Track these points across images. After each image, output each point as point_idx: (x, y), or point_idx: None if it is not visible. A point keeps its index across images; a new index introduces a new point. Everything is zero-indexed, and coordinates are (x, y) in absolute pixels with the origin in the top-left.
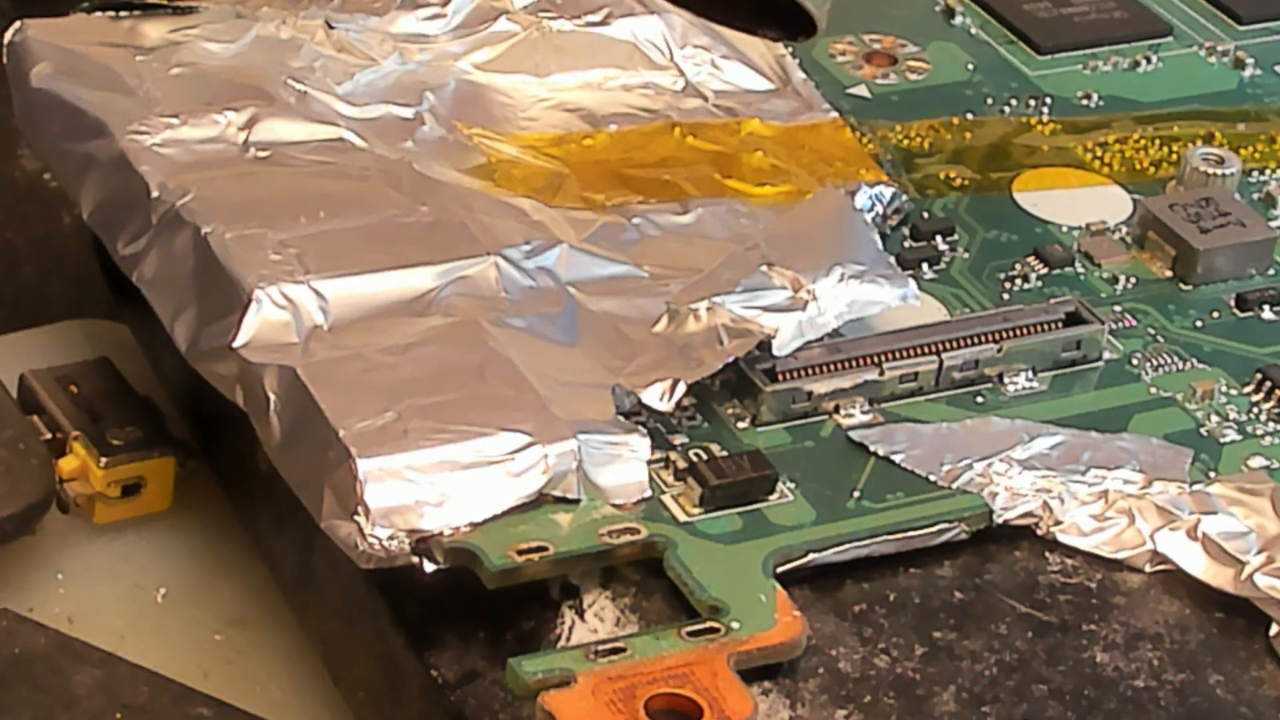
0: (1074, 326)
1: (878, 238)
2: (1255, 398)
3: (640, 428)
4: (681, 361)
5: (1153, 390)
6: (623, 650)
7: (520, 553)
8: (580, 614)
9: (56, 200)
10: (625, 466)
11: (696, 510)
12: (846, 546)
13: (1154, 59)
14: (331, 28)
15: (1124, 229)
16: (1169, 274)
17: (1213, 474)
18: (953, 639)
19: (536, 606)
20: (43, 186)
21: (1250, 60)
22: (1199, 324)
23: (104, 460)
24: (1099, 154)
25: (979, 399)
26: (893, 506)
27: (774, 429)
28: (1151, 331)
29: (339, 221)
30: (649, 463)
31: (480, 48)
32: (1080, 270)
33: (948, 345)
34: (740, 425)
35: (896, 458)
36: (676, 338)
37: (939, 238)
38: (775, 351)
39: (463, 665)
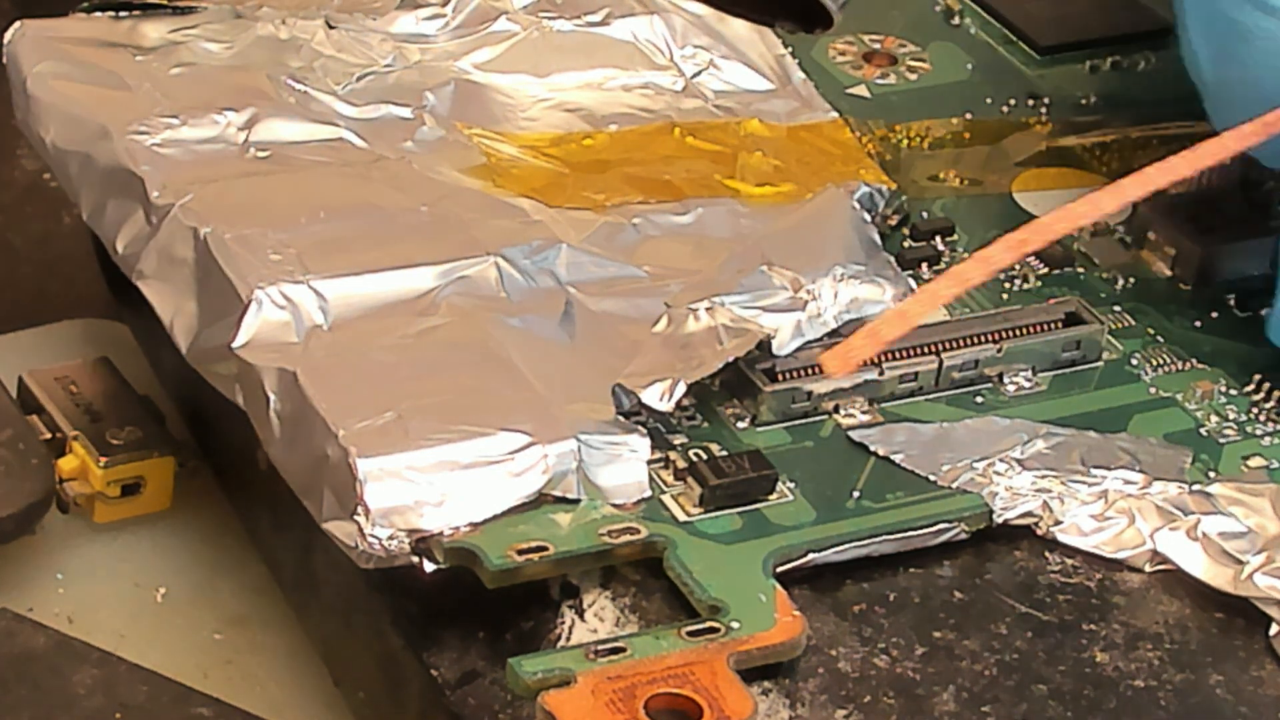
0: (1074, 326)
1: (877, 238)
2: (1255, 398)
3: (640, 428)
4: (681, 361)
5: (1152, 390)
6: (622, 650)
7: (520, 552)
8: (580, 614)
9: (56, 200)
10: (625, 466)
11: (696, 510)
12: (846, 546)
13: (1154, 59)
14: (331, 28)
15: (1124, 229)
16: (1169, 274)
17: (1212, 474)
18: (953, 639)
19: (536, 606)
20: (43, 186)
21: None
22: (1199, 324)
23: (104, 460)
24: (1099, 154)
25: (979, 399)
26: (892, 506)
27: (774, 429)
28: (1151, 331)
29: (339, 221)
30: (649, 463)
31: (480, 48)
32: (1080, 270)
33: (947, 345)
34: (740, 425)
35: (896, 457)
36: (676, 338)
37: (938, 238)
38: (775, 351)
39: (463, 665)
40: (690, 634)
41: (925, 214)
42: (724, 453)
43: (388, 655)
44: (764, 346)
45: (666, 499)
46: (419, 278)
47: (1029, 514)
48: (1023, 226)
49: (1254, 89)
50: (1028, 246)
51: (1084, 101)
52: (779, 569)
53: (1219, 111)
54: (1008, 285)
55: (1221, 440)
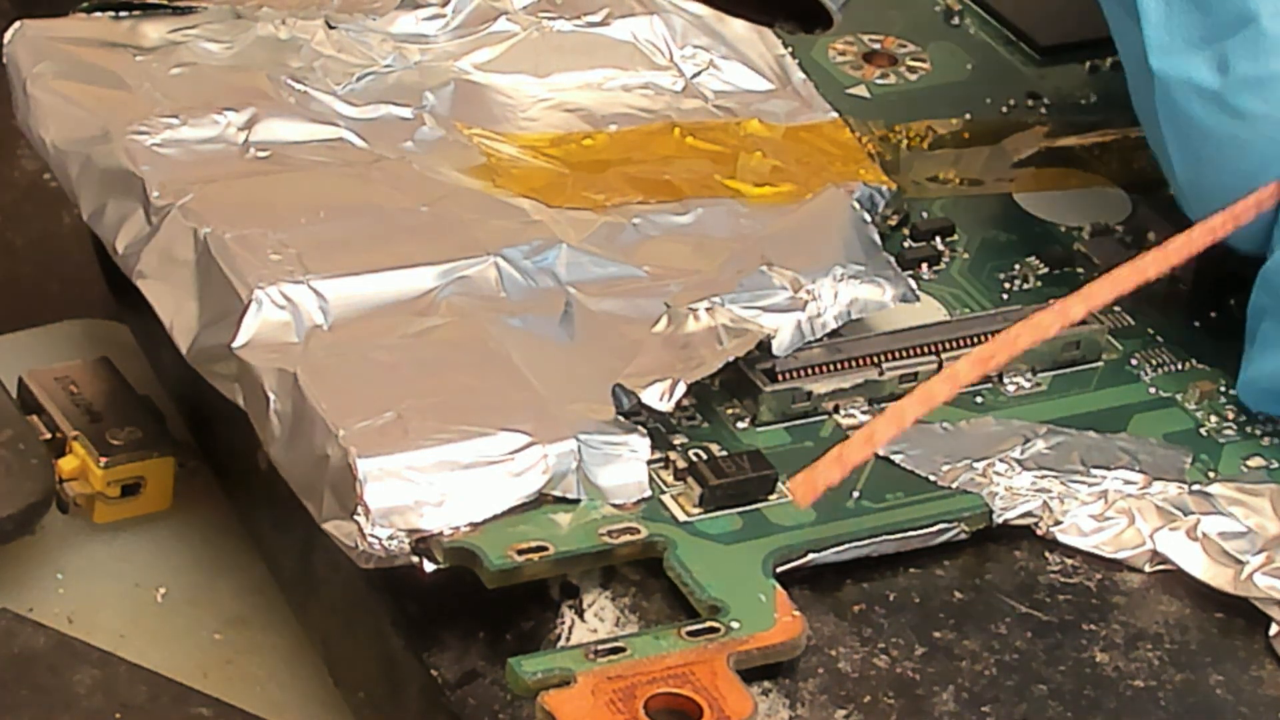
0: (1073, 327)
1: (877, 238)
2: None
3: (640, 428)
4: (681, 361)
5: (1152, 390)
6: (622, 650)
7: (520, 552)
8: (580, 614)
9: (56, 200)
10: (625, 466)
11: (696, 510)
12: (846, 546)
13: None
14: (331, 28)
15: (1123, 229)
16: (1169, 274)
17: (1212, 474)
18: (953, 639)
19: (536, 606)
20: (43, 186)
21: None
22: (1199, 324)
23: (104, 460)
24: (1099, 154)
25: (979, 399)
26: (892, 506)
27: (774, 429)
28: (1151, 331)
29: (339, 221)
30: (649, 463)
31: (480, 48)
32: (1080, 270)
33: (947, 345)
34: (740, 425)
35: (896, 458)
36: (676, 338)
37: (938, 238)
38: (775, 352)
39: (463, 665)
40: (690, 634)
41: (925, 214)
42: (724, 453)
43: (388, 655)
44: (764, 346)
45: (666, 499)
46: (419, 278)
47: (1029, 514)
48: (966, 356)
49: (1226, 190)
50: (979, 370)
51: (1084, 101)
52: (779, 569)
53: (1193, 209)
54: (1008, 285)
55: (1221, 440)
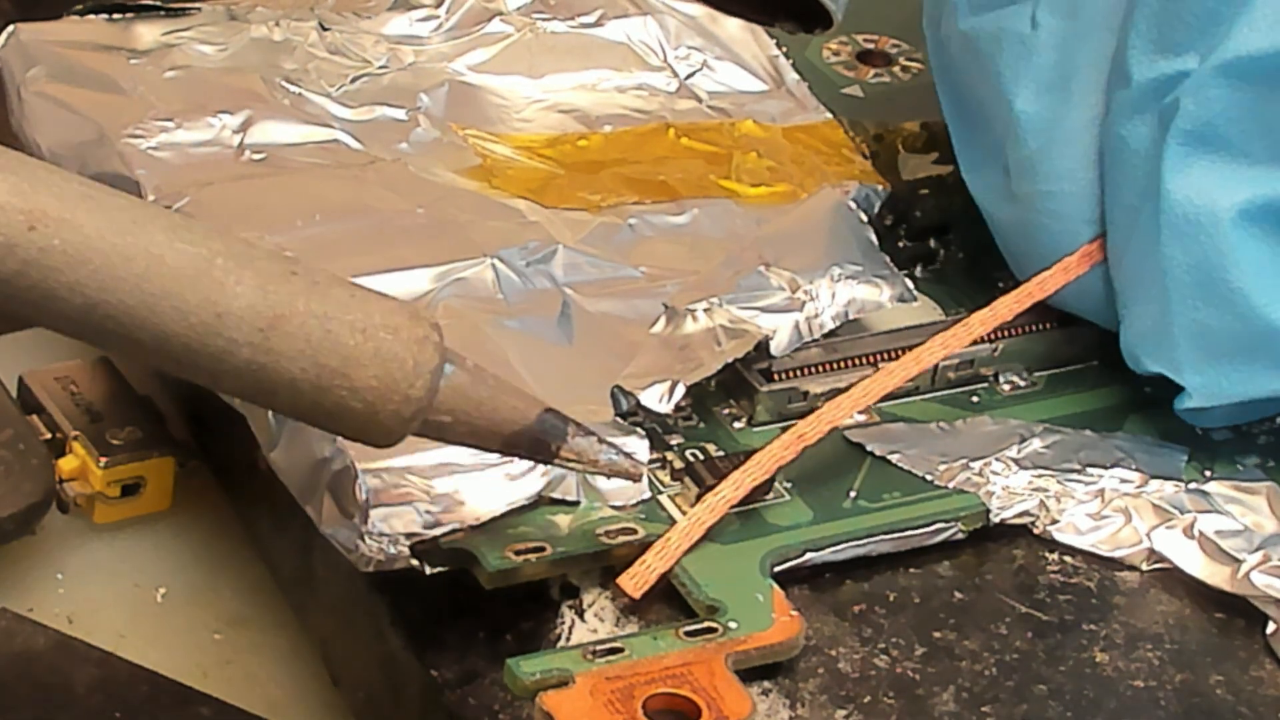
0: (1069, 325)
1: (874, 238)
2: None
3: (638, 429)
4: (680, 363)
5: (1148, 389)
6: (620, 650)
7: (517, 553)
8: (580, 614)
9: None
10: None
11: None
12: (843, 546)
13: None
14: (325, 29)
15: None
16: None
17: (1208, 472)
18: (953, 639)
19: (536, 607)
20: None
21: None
22: None
23: (104, 460)
24: None
25: (974, 398)
26: (889, 506)
27: (770, 429)
28: None
29: (335, 224)
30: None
31: (474, 49)
32: None
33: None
34: (736, 425)
35: (893, 457)
36: (674, 339)
37: (932, 237)
38: (773, 352)
39: (463, 665)
40: (688, 634)
41: (919, 214)
42: (720, 453)
43: (388, 655)
44: (761, 347)
45: (664, 499)
46: (415, 280)
47: (1026, 513)
48: (806, 419)
49: (1041, 260)
50: (807, 440)
51: None
52: (777, 569)
53: (1021, 271)
54: (1002, 285)
55: (1217, 439)
